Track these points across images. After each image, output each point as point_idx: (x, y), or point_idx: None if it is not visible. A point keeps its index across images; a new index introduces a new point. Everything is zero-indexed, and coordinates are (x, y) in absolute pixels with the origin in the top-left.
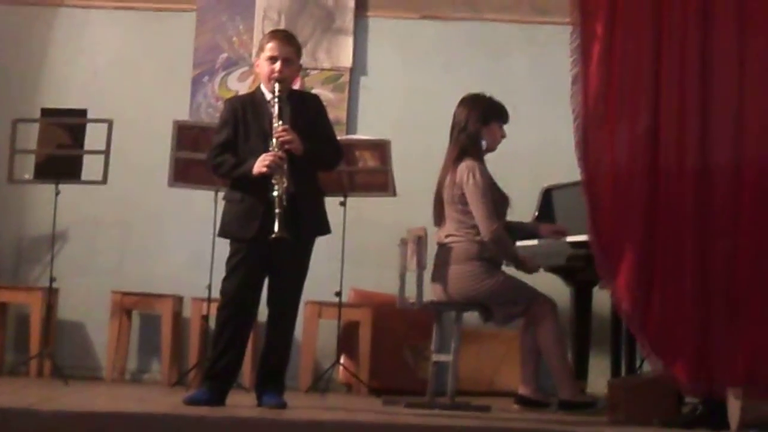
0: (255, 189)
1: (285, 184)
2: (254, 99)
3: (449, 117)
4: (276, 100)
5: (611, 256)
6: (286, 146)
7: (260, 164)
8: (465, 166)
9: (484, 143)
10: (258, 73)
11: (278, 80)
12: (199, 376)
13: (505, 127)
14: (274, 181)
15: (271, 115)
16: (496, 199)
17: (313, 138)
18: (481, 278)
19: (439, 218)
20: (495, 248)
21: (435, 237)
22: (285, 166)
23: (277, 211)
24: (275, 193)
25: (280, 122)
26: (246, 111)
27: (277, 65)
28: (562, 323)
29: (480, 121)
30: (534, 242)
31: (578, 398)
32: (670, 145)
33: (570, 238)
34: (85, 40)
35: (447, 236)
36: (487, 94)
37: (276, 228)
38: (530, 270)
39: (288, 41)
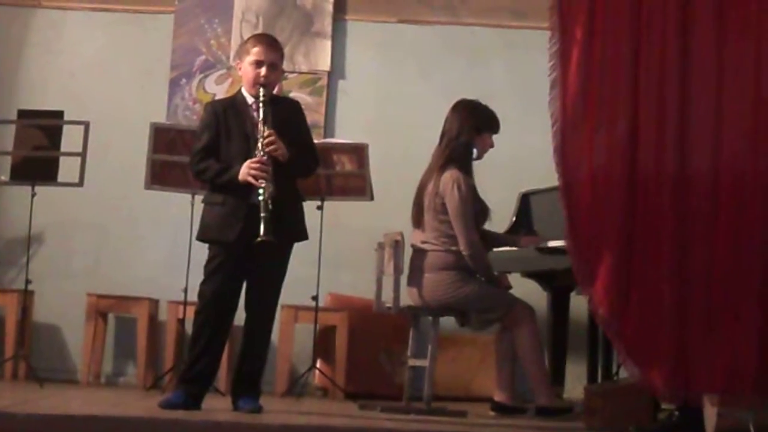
0: (237, 192)
1: (271, 189)
2: (236, 102)
3: (427, 121)
4: (261, 104)
5: (589, 262)
6: (272, 151)
7: (246, 172)
8: (450, 176)
9: (474, 152)
10: (241, 76)
11: (263, 84)
12: (175, 380)
13: None
14: (259, 183)
15: (253, 118)
16: (476, 210)
17: (291, 144)
18: (457, 286)
19: (417, 222)
20: (471, 263)
21: (411, 238)
22: (270, 170)
23: (262, 214)
24: (260, 198)
25: (265, 127)
26: (228, 114)
27: (263, 70)
28: (539, 328)
29: (474, 130)
30: (512, 248)
31: (555, 404)
32: (648, 151)
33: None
34: (62, 42)
35: (423, 242)
36: (481, 102)
37: (262, 231)
38: (503, 288)
39: (274, 46)
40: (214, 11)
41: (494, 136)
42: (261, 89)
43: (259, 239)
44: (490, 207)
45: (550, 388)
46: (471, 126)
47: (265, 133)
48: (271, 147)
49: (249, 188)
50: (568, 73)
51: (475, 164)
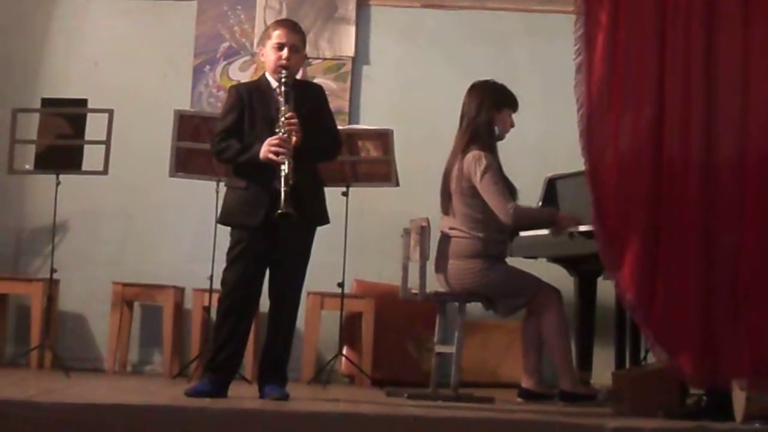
0: (260, 177)
1: (292, 165)
2: (260, 86)
3: (452, 106)
4: (282, 85)
5: (615, 247)
6: (291, 130)
7: (267, 149)
8: (471, 156)
9: (496, 130)
10: (263, 61)
11: (285, 67)
12: (201, 368)
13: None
14: (279, 160)
15: (277, 102)
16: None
17: (314, 128)
18: (484, 274)
19: (446, 208)
20: (521, 227)
21: (439, 224)
22: (291, 148)
23: (283, 189)
24: (282, 174)
25: (287, 106)
26: (252, 98)
27: (285, 52)
28: (566, 314)
29: (493, 108)
30: (540, 231)
31: (579, 390)
32: (674, 135)
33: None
34: (85, 30)
35: (451, 228)
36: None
37: (282, 204)
38: (566, 226)
39: (295, 29)
40: None
41: (520, 121)
42: (283, 71)
43: (279, 211)
44: (518, 190)
45: (574, 373)
46: (489, 104)
47: (287, 114)
48: (292, 126)
49: (271, 174)
50: (593, 58)
51: (501, 148)
